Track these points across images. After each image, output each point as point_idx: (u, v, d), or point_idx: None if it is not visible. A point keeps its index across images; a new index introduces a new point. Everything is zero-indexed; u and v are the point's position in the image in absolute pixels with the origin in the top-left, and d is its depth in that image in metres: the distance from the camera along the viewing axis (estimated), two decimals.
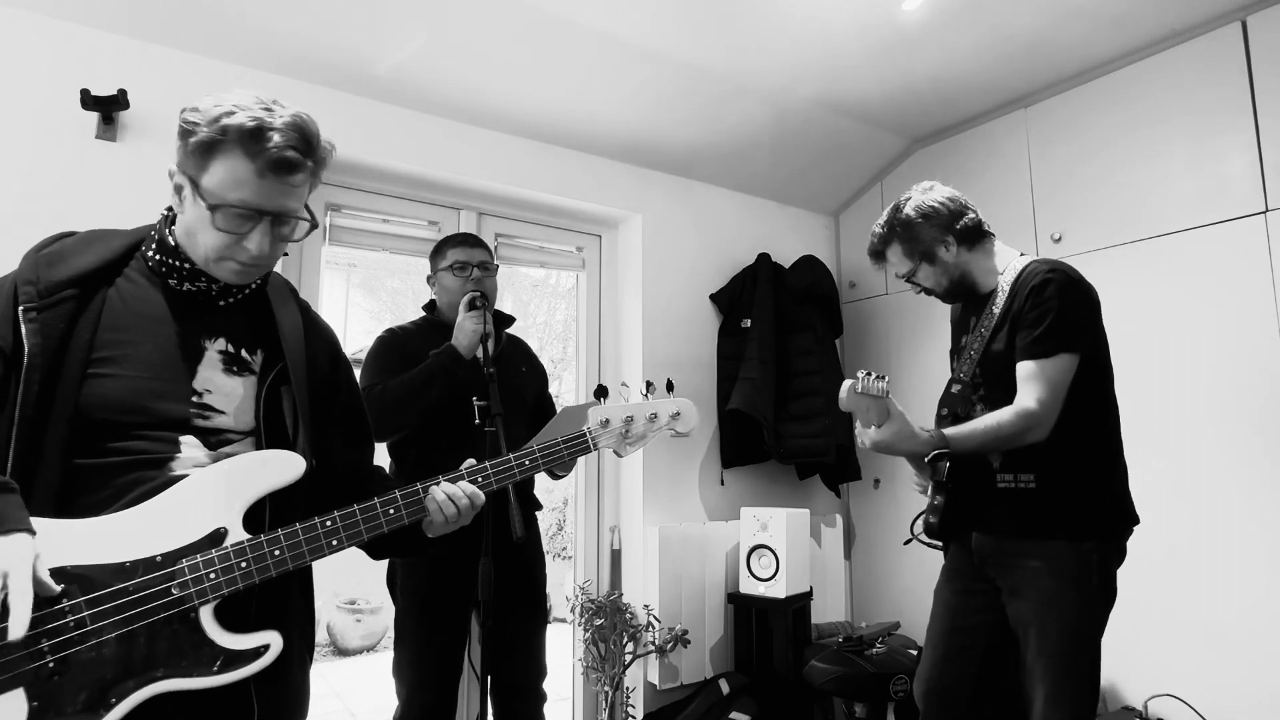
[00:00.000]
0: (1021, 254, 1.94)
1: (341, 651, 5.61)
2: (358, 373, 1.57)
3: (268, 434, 1.15)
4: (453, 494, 1.22)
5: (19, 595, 0.88)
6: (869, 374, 1.64)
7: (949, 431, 1.72)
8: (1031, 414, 1.68)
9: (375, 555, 1.33)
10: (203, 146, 1.06)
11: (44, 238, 1.14)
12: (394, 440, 2.29)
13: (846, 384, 1.66)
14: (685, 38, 2.74)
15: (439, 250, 2.40)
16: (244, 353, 1.18)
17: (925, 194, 1.95)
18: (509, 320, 2.51)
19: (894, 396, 1.69)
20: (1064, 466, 1.74)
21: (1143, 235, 2.81)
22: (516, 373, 2.39)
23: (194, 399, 1.11)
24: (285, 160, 1.07)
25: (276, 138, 1.06)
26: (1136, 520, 1.80)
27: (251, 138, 1.05)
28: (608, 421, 1.41)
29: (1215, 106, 2.66)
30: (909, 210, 1.94)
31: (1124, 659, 2.59)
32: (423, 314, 2.47)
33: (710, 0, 2.55)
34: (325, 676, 5.06)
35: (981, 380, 1.87)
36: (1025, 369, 1.74)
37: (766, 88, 3.11)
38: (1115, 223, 2.90)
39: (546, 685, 2.33)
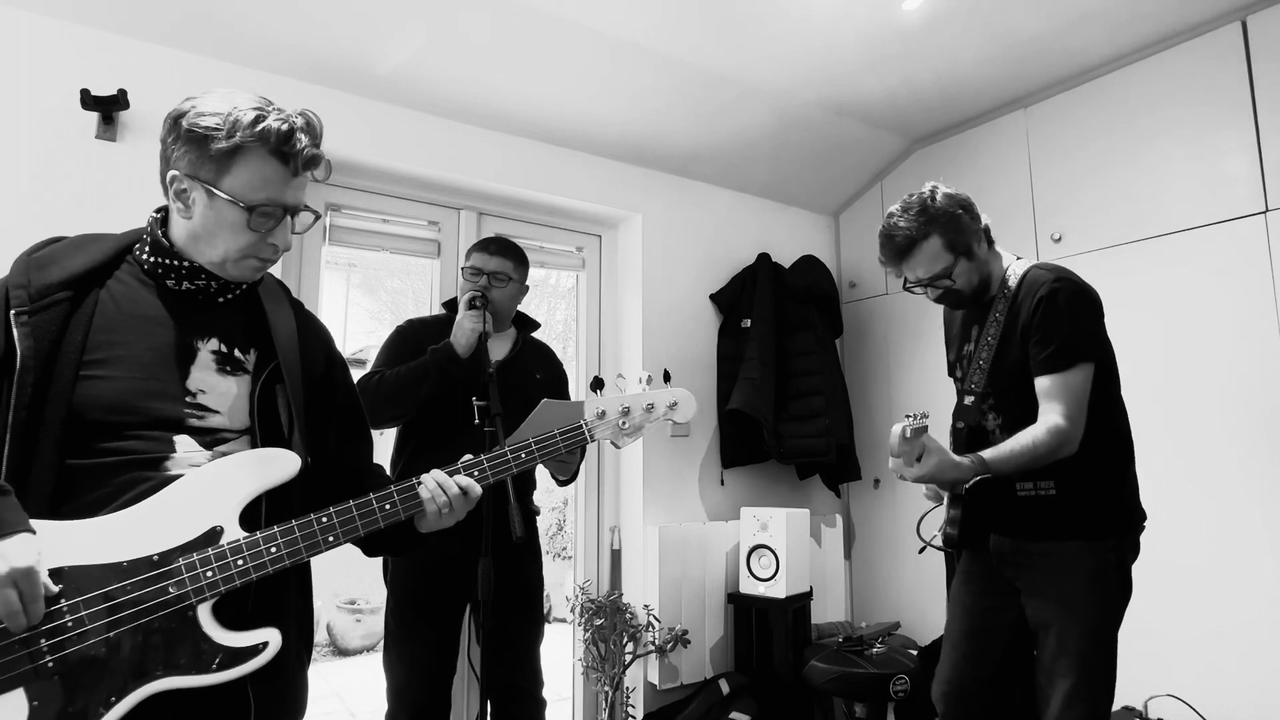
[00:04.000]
0: (1019, 257, 1.93)
1: (341, 651, 5.61)
2: (355, 372, 1.57)
3: (262, 433, 1.15)
4: (442, 483, 1.22)
5: (32, 598, 0.92)
6: (913, 415, 1.60)
7: (988, 455, 1.68)
8: (1063, 431, 1.67)
9: (369, 552, 1.33)
10: (228, 151, 1.09)
11: (35, 242, 1.15)
12: (397, 434, 2.30)
13: (896, 430, 1.61)
14: (685, 38, 2.74)
15: (469, 250, 2.43)
16: (237, 352, 1.18)
17: (947, 188, 1.85)
18: (531, 325, 2.51)
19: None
20: (1082, 471, 1.74)
21: (1143, 235, 2.81)
22: (530, 378, 2.36)
23: (188, 399, 1.11)
24: (314, 158, 1.15)
25: (304, 138, 1.13)
26: (1145, 517, 1.82)
27: (285, 139, 1.11)
28: (604, 413, 1.40)
29: (1215, 106, 2.66)
30: (943, 202, 1.82)
31: (1124, 659, 2.58)
32: (443, 309, 2.49)
33: (711, 1, 2.55)
34: (325, 676, 5.06)
35: (992, 390, 1.86)
36: (1046, 384, 1.72)
37: (766, 88, 3.11)
38: (1115, 223, 2.89)
39: (545, 687, 2.32)
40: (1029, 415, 1.73)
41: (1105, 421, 1.77)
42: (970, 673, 1.88)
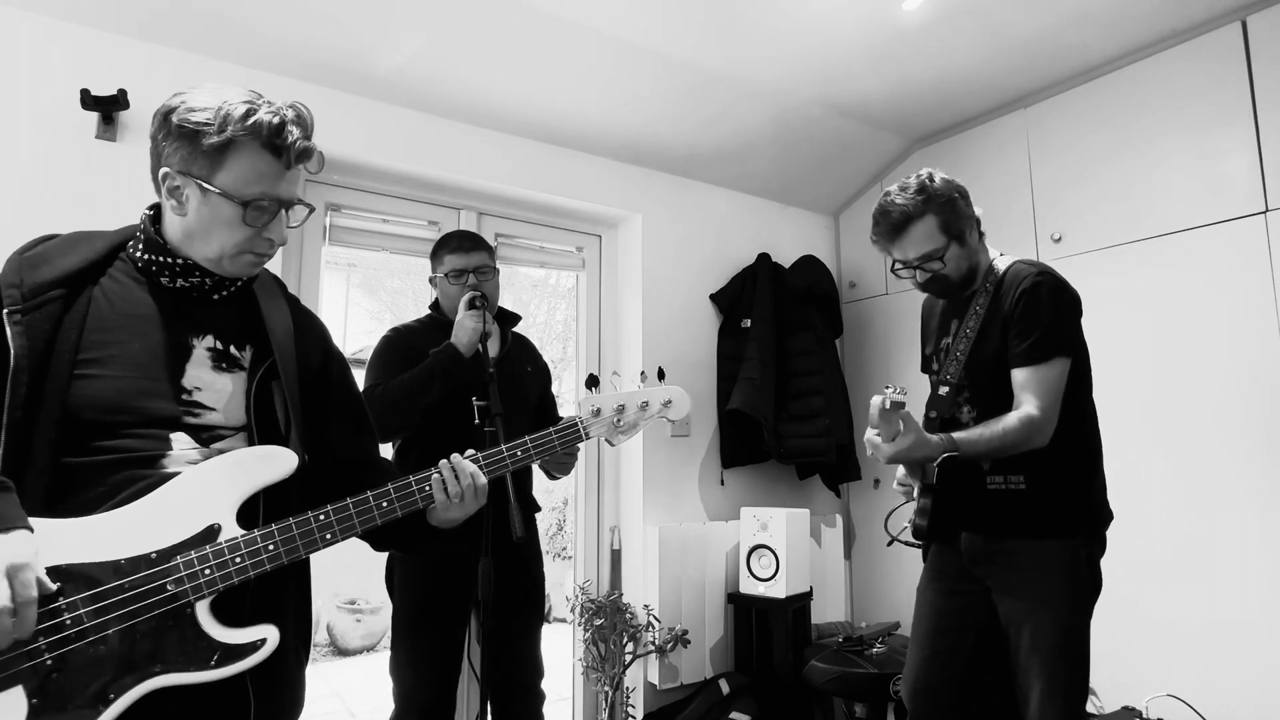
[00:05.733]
0: (1001, 254, 1.93)
1: (341, 651, 5.61)
2: (356, 371, 1.57)
3: (259, 430, 1.15)
4: (459, 467, 1.23)
5: (25, 594, 0.91)
6: (891, 387, 1.63)
7: (958, 436, 1.71)
8: (1034, 421, 1.68)
9: (378, 546, 1.33)
10: (220, 146, 1.08)
11: (27, 241, 1.14)
12: (397, 440, 2.30)
13: (876, 401, 1.63)
14: (685, 38, 2.75)
15: (436, 253, 2.39)
16: (233, 349, 1.18)
17: (944, 174, 1.86)
18: (514, 319, 2.51)
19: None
20: (1052, 467, 1.75)
21: (1143, 235, 2.81)
22: (521, 373, 2.38)
23: (183, 397, 1.11)
24: (307, 150, 1.15)
25: (295, 130, 1.12)
26: (1112, 516, 1.84)
27: (276, 133, 1.10)
28: (599, 410, 1.42)
29: (1215, 106, 2.66)
30: (941, 185, 1.82)
31: (1125, 659, 2.59)
32: (428, 312, 2.48)
33: (711, 1, 2.55)
34: (325, 676, 5.06)
35: (967, 382, 1.86)
36: (1022, 375, 1.74)
37: (766, 88, 3.11)
38: (1115, 223, 2.89)
39: (545, 685, 2.33)
40: (1004, 408, 1.74)
41: (1075, 420, 1.78)
42: (939, 671, 1.89)
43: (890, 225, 1.84)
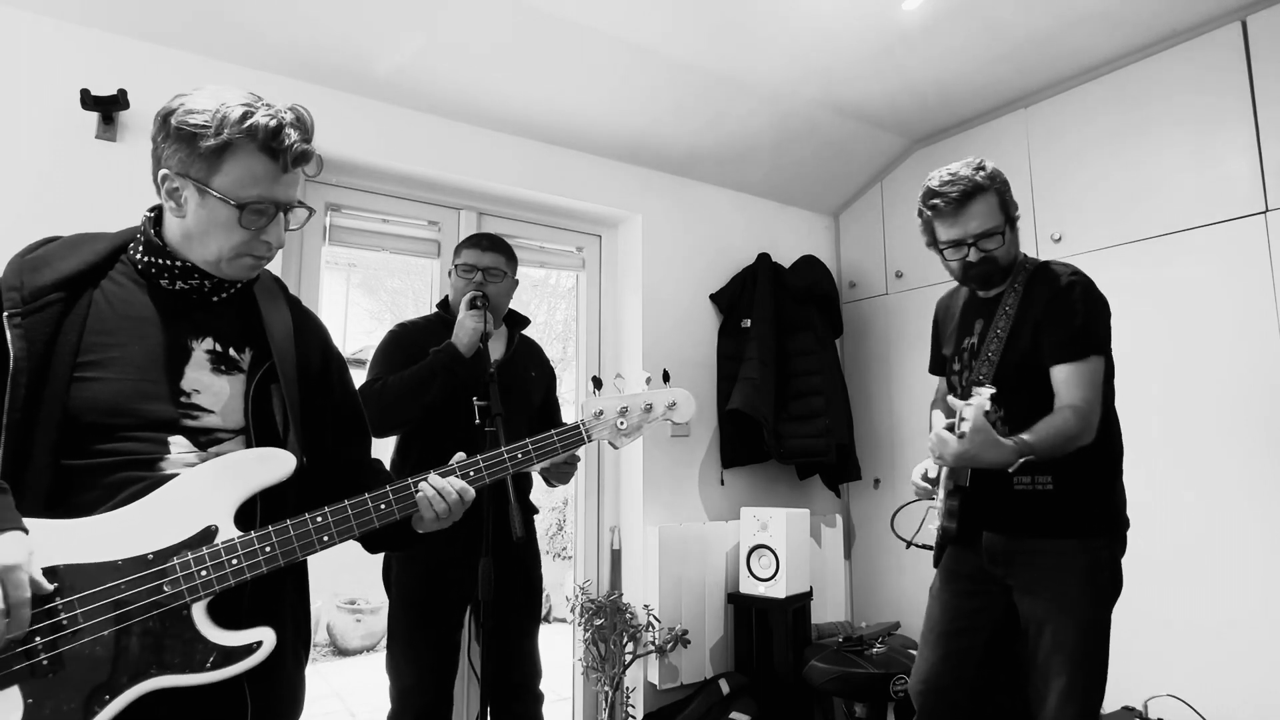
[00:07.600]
0: (1027, 255, 1.93)
1: (341, 651, 5.61)
2: (355, 371, 1.57)
3: (257, 432, 1.15)
4: (441, 489, 1.22)
5: (17, 595, 0.91)
6: (986, 385, 1.54)
7: (1030, 437, 1.62)
8: (1085, 415, 1.67)
9: (370, 549, 1.33)
10: (217, 149, 1.08)
11: (29, 243, 1.14)
12: (398, 437, 2.29)
13: (985, 394, 1.53)
14: (686, 38, 2.74)
15: (457, 248, 2.41)
16: (232, 351, 1.18)
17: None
18: (523, 321, 2.51)
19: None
20: (1079, 468, 1.75)
21: (1143, 235, 2.81)
22: (526, 376, 2.38)
23: (182, 399, 1.11)
24: (304, 153, 1.14)
25: (293, 133, 1.12)
26: (1129, 524, 1.84)
27: (273, 136, 1.10)
28: (602, 413, 1.41)
29: (1215, 106, 2.65)
30: (995, 170, 1.84)
31: (1124, 659, 2.58)
32: (435, 309, 2.48)
33: (711, 1, 2.55)
34: (325, 676, 5.06)
35: (998, 384, 1.85)
36: (1064, 371, 1.73)
37: (767, 88, 3.11)
38: (1115, 222, 2.89)
39: (544, 685, 2.33)
40: (1033, 408, 1.73)
41: (1102, 422, 1.77)
42: (950, 671, 1.89)
43: (960, 194, 1.79)
